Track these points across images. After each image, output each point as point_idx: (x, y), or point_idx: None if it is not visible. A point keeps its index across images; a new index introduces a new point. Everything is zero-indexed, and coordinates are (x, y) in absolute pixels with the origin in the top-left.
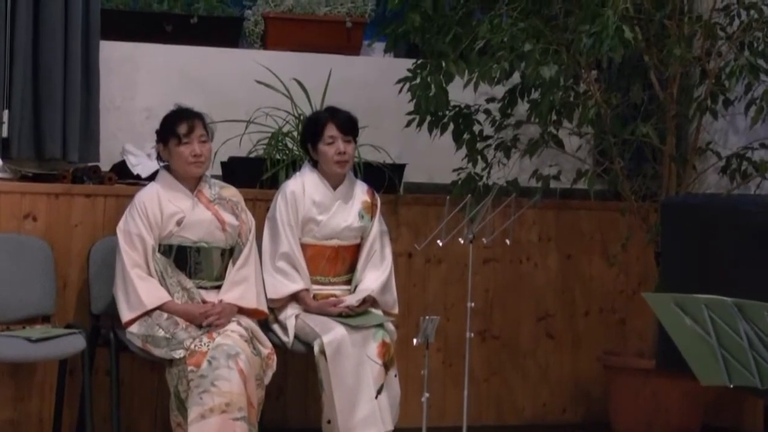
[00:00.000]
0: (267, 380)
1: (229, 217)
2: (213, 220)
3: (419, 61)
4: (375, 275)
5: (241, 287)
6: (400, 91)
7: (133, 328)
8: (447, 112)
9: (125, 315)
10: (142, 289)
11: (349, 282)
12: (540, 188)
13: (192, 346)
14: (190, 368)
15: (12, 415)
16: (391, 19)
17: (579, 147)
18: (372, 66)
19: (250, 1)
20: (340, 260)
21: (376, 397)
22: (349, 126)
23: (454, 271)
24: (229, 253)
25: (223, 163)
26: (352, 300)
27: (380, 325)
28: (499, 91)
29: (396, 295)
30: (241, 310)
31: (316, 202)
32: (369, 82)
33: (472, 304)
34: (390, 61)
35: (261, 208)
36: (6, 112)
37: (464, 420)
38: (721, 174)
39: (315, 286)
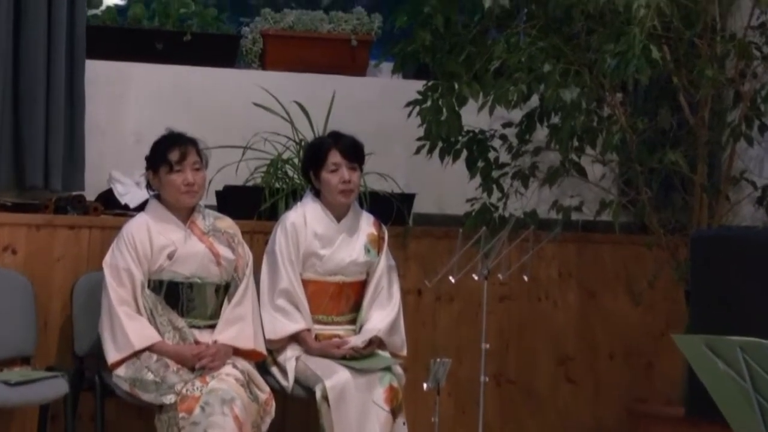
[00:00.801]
0: (265, 428)
1: (224, 251)
2: (207, 253)
3: (430, 83)
4: (382, 314)
5: (237, 327)
6: (410, 114)
7: (120, 371)
8: (460, 138)
9: (112, 356)
10: (130, 329)
11: (353, 321)
12: (560, 220)
13: (183, 391)
14: (181, 415)
15: None
16: (400, 37)
17: (603, 176)
18: (379, 88)
19: (247, 17)
20: (345, 298)
21: None
22: (354, 152)
23: (467, 310)
24: (225, 290)
25: (218, 193)
26: (357, 341)
27: (387, 369)
28: (517, 115)
29: (404, 336)
30: (237, 352)
31: (319, 234)
32: (375, 105)
33: (487, 346)
34: (398, 82)
35: (259, 241)
36: None
37: None
38: (756, 205)
39: (317, 326)
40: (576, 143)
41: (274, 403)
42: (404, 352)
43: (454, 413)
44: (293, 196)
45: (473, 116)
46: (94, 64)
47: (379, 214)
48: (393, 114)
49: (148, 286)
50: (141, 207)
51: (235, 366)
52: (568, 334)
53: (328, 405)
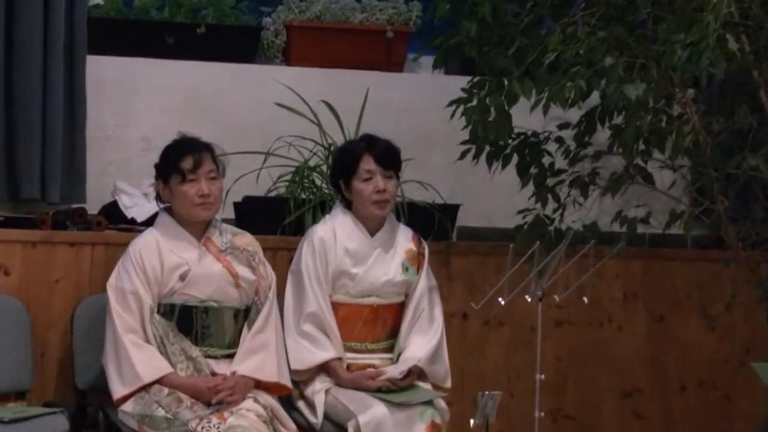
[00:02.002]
0: None
1: (243, 271)
2: (224, 273)
3: (476, 79)
4: (422, 341)
5: (258, 356)
6: (453, 115)
7: (127, 407)
8: (510, 141)
9: (117, 390)
10: (138, 359)
11: (390, 349)
12: (625, 234)
13: (198, 429)
14: None
15: None
16: (441, 28)
17: (672, 183)
18: (418, 85)
19: (269, 7)
20: (380, 322)
21: None
22: (389, 158)
23: (519, 336)
24: (244, 315)
25: (236, 205)
26: (394, 371)
27: (429, 402)
28: (574, 114)
29: (448, 366)
30: (259, 385)
31: (350, 251)
32: (414, 104)
33: (542, 377)
34: (440, 79)
35: (283, 259)
36: None
37: None
38: None
39: (349, 355)
40: (642, 146)
41: None
42: (448, 384)
43: None
44: (321, 209)
45: (525, 116)
46: (96, 60)
47: (418, 227)
48: (434, 115)
49: (158, 311)
50: (150, 221)
51: (256, 400)
52: (634, 364)
53: None
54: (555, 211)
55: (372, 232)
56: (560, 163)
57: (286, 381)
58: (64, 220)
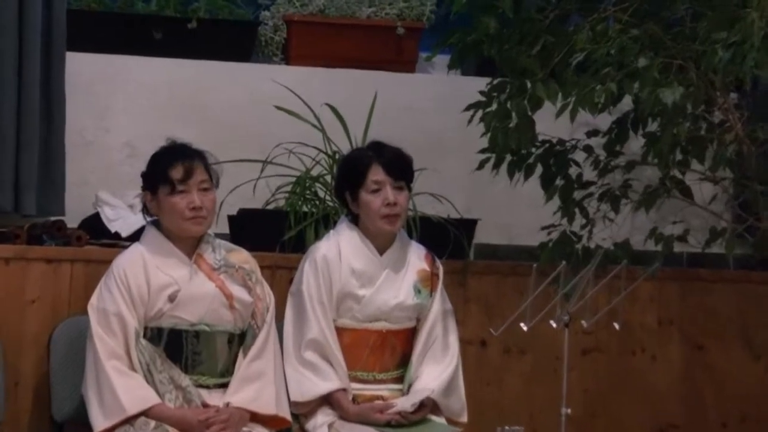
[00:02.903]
0: None
1: (239, 291)
2: (218, 294)
3: (495, 81)
4: (436, 371)
5: (254, 386)
6: (470, 120)
7: None
8: (533, 150)
9: (99, 423)
10: (122, 389)
11: (400, 379)
12: (660, 253)
13: None
14: None
15: None
16: (458, 24)
17: (713, 197)
18: (431, 87)
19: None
20: (389, 350)
21: None
22: (400, 168)
23: (542, 366)
24: (239, 340)
25: (231, 218)
26: (405, 404)
27: None
28: (605, 121)
29: (464, 398)
30: (255, 418)
31: (357, 271)
32: (427, 108)
33: (568, 411)
34: (456, 80)
35: (282, 279)
36: None
37: None
38: None
39: (355, 385)
40: (679, 156)
41: None
42: (464, 418)
43: None
44: (325, 223)
45: (550, 123)
46: (76, 57)
47: (431, 244)
48: (449, 120)
49: (144, 336)
50: (135, 236)
51: None
52: (670, 397)
53: None
54: (583, 227)
55: (381, 250)
56: (589, 174)
57: (285, 413)
58: (41, 233)
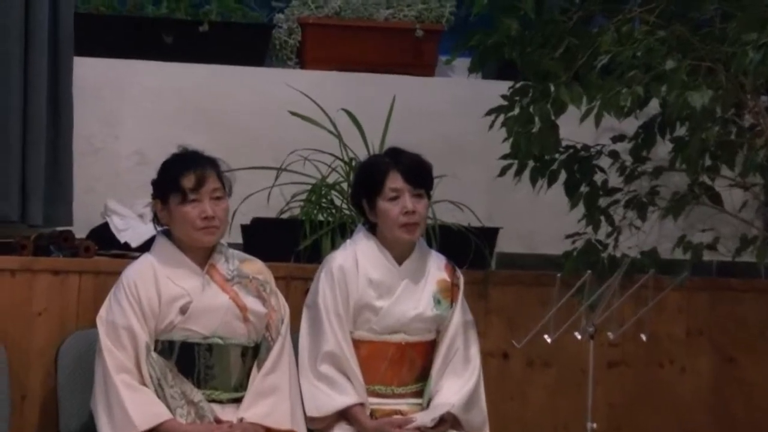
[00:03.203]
0: None
1: (252, 303)
2: (231, 306)
3: (518, 85)
4: (457, 384)
5: (269, 401)
6: (491, 125)
7: None
8: (557, 156)
9: None
10: (132, 404)
11: (419, 393)
12: (689, 262)
13: None
14: None
15: None
16: (478, 26)
17: (744, 204)
18: (451, 91)
19: (281, 1)
20: (408, 363)
21: None
22: (419, 175)
23: (567, 379)
24: (253, 353)
25: (244, 228)
26: (425, 419)
27: None
28: (631, 126)
29: (486, 413)
30: None
31: (374, 281)
32: (447, 113)
33: (593, 425)
34: (476, 84)
35: (297, 290)
36: None
37: None
38: None
39: (373, 400)
40: (708, 162)
41: None
42: None
43: None
44: (341, 232)
45: (574, 128)
46: (84, 62)
47: (452, 254)
48: (470, 125)
49: (155, 349)
50: (146, 246)
51: None
52: (699, 410)
53: None
54: (609, 235)
55: (399, 260)
56: (614, 180)
57: (301, 429)
58: (48, 244)
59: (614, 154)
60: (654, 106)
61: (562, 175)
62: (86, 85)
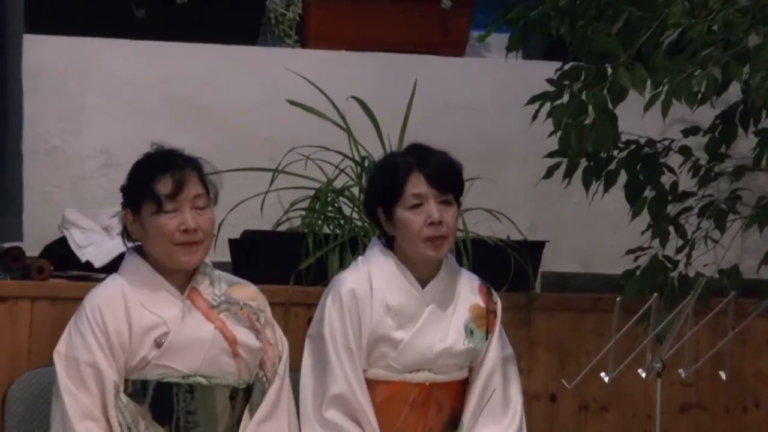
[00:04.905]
0: None
1: (243, 335)
2: (217, 338)
3: (567, 67)
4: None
5: None
6: (535, 116)
7: None
8: (615, 153)
9: None
10: None
11: None
12: None
13: None
14: None
15: None
16: None
17: None
18: (486, 75)
19: None
20: (435, 407)
21: None
22: (447, 178)
23: (629, 426)
24: (245, 396)
25: (233, 243)
26: None
27: None
28: (706, 115)
29: None
30: None
31: (393, 308)
32: (481, 102)
33: None
34: (516, 66)
35: (298, 320)
36: None
37: None
38: None
39: None
40: None
41: None
42: None
43: None
44: (352, 248)
45: (636, 118)
46: (37, 41)
47: (487, 274)
48: (508, 116)
49: (125, 391)
50: (113, 266)
51: None
52: None
53: None
54: (679, 250)
55: (423, 282)
56: (686, 183)
57: None
58: None
59: (686, 151)
60: (734, 92)
61: (622, 177)
62: (40, 69)
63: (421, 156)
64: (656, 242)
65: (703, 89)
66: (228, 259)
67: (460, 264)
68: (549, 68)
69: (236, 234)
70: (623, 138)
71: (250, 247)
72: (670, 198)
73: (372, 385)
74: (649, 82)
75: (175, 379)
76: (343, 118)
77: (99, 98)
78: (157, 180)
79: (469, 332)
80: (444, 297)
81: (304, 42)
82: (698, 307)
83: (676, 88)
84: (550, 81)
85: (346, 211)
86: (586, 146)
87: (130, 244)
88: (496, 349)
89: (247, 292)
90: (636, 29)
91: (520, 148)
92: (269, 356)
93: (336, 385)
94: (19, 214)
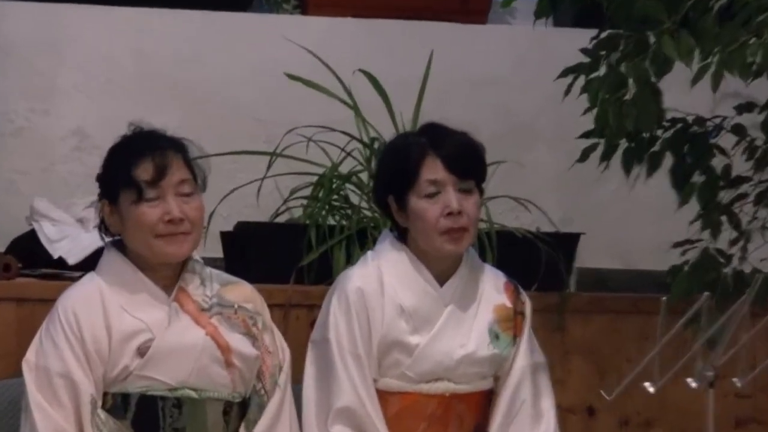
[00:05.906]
0: None
1: (238, 342)
2: (208, 345)
3: (604, 35)
4: None
5: None
6: (567, 91)
7: None
8: (660, 133)
9: None
10: None
11: None
12: None
13: None
14: None
15: None
16: None
17: None
18: (511, 45)
19: None
20: (456, 421)
21: None
22: (467, 161)
23: None
24: (240, 411)
25: (225, 236)
26: None
27: None
28: (762, 89)
29: None
30: None
31: (407, 309)
32: (505, 75)
33: None
34: (546, 34)
35: (300, 323)
36: None
37: None
38: None
39: None
40: None
41: None
42: None
43: None
44: (360, 241)
45: (683, 93)
46: (4, 7)
47: (515, 270)
48: (536, 91)
49: (104, 405)
50: (89, 263)
51: None
52: None
53: None
54: (733, 243)
55: (441, 279)
56: (741, 167)
57: None
58: None
59: (739, 130)
60: None
61: (667, 160)
62: (4, 40)
63: (438, 137)
64: (706, 234)
65: (758, 59)
66: (220, 254)
67: (484, 259)
68: (581, 37)
69: (229, 226)
70: (668, 116)
71: (244, 240)
72: (722, 183)
73: (384, 397)
74: (697, 52)
75: (161, 392)
76: (349, 94)
77: (71, 73)
78: (136, 165)
79: (494, 336)
80: (465, 297)
81: (304, 8)
82: (755, 307)
83: (728, 58)
84: (584, 51)
85: (354, 199)
86: (626, 125)
87: (107, 239)
88: (525, 356)
89: (243, 292)
90: None
91: (550, 128)
92: (268, 365)
93: (343, 397)
94: None
